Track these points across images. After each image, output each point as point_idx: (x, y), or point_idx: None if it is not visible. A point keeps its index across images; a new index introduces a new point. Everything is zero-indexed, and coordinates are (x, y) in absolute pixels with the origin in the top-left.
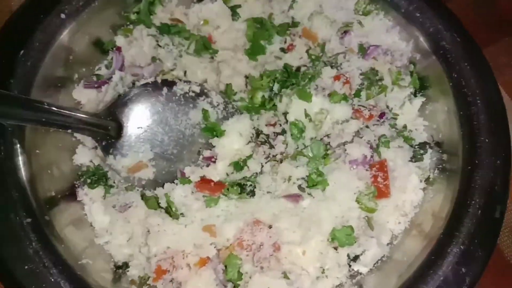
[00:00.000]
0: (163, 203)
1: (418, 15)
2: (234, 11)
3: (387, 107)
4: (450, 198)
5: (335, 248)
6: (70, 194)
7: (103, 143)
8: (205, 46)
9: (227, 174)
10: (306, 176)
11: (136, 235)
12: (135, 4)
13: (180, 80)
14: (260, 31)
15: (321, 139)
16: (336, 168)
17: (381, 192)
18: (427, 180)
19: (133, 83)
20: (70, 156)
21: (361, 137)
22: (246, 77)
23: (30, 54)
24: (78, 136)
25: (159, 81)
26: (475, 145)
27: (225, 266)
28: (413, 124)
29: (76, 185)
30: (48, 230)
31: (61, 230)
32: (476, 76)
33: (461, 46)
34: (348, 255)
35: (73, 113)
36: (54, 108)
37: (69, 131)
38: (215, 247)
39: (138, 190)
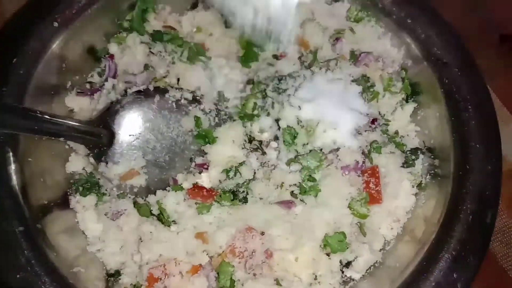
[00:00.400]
0: (155, 211)
1: (410, 21)
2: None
3: (379, 113)
4: (442, 203)
5: (328, 255)
6: (63, 202)
7: (95, 151)
8: (198, 52)
9: (220, 181)
10: (299, 182)
11: (128, 242)
12: (128, 12)
13: (172, 87)
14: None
15: (321, 150)
16: (328, 174)
17: (373, 198)
18: (419, 185)
19: (126, 91)
20: (62, 164)
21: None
22: (239, 84)
23: (23, 62)
24: (71, 144)
25: (151, 88)
26: (467, 151)
27: (218, 274)
28: (405, 130)
29: (69, 193)
30: (41, 239)
31: (53, 238)
32: (468, 82)
33: (452, 52)
34: (340, 261)
35: (65, 121)
36: (46, 116)
37: (62, 139)
38: (207, 255)
39: (130, 197)
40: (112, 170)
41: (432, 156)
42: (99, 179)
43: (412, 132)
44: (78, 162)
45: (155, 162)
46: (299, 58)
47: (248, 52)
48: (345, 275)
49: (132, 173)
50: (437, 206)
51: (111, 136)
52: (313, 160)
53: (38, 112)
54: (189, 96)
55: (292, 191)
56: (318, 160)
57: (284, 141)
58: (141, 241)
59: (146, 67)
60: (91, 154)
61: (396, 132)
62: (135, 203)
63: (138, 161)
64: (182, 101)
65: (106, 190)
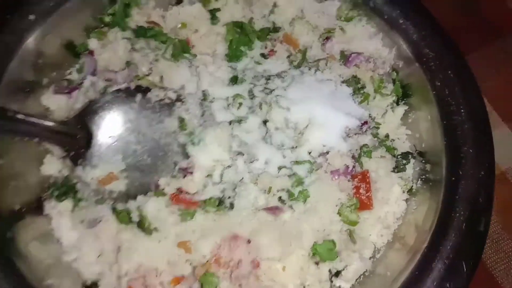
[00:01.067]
0: (135, 217)
1: (401, 21)
2: (213, 14)
3: (369, 115)
4: (433, 210)
5: (316, 263)
6: (37, 207)
7: (72, 153)
8: (183, 49)
9: (204, 186)
10: (287, 188)
11: (106, 252)
12: (110, 6)
13: (156, 86)
14: (240, 36)
15: (309, 152)
16: (318, 178)
17: (363, 204)
18: (410, 191)
19: (106, 89)
20: (37, 166)
21: None
22: (225, 83)
23: None
24: (47, 145)
25: (133, 87)
26: (459, 155)
27: (201, 285)
28: (395, 133)
29: (43, 198)
30: (10, 248)
31: (25, 246)
32: (460, 84)
33: (444, 54)
34: (329, 271)
35: (40, 121)
36: (19, 116)
37: (36, 140)
38: (190, 265)
39: (109, 203)
40: (90, 173)
41: (424, 161)
42: (76, 183)
43: (403, 136)
44: (54, 164)
45: (136, 165)
46: (288, 57)
47: (235, 50)
48: (334, 285)
49: (111, 177)
50: (428, 212)
51: (89, 137)
52: (304, 169)
53: (11, 111)
54: (173, 96)
55: (280, 197)
56: (309, 171)
57: (272, 143)
58: (120, 251)
59: (128, 64)
60: (67, 157)
61: (387, 136)
62: (114, 209)
63: (117, 165)
64: (166, 100)
65: (83, 195)
